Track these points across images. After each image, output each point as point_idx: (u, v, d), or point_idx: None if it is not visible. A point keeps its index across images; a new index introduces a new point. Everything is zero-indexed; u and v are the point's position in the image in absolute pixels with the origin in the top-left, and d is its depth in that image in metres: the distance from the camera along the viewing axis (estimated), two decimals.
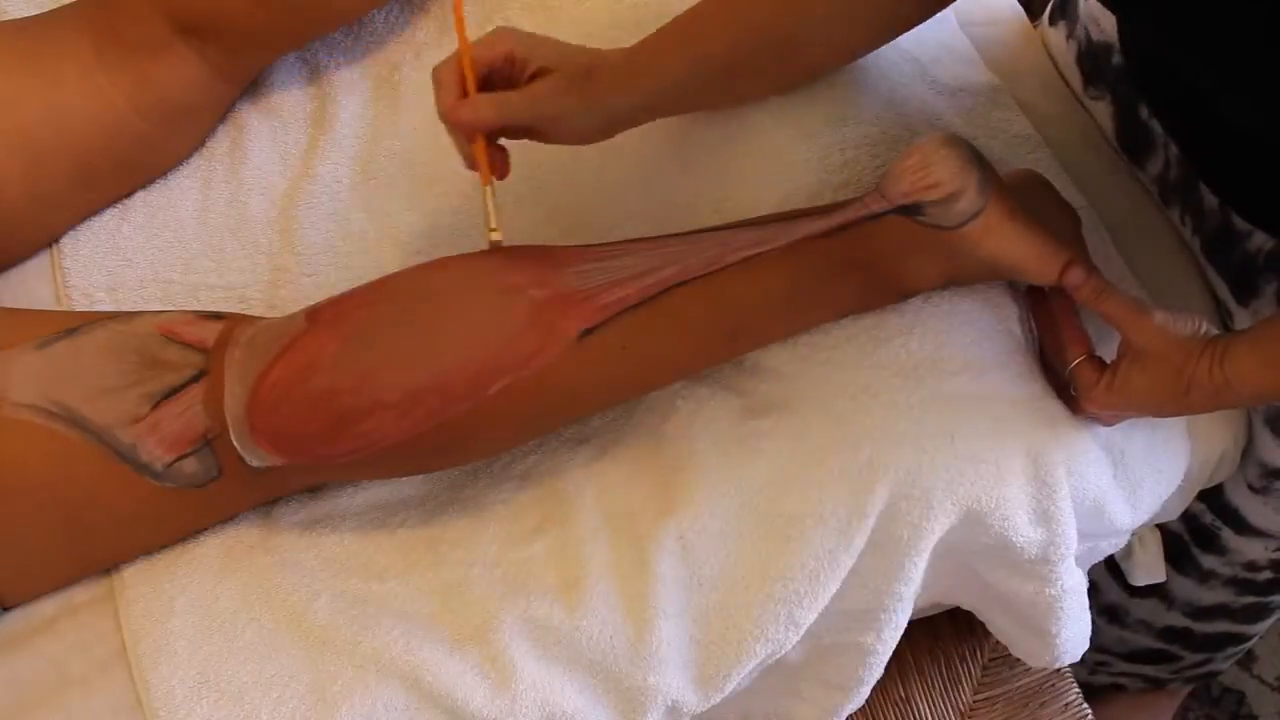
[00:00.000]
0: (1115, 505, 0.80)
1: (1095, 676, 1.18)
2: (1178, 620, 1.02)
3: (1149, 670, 1.13)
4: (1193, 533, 0.94)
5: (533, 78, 0.74)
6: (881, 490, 0.74)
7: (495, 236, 0.74)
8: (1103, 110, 0.92)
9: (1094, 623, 0.94)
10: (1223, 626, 1.02)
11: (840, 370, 0.78)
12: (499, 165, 0.75)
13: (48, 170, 0.82)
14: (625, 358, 0.74)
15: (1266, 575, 0.94)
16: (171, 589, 0.74)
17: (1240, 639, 1.05)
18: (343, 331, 0.71)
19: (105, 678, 0.72)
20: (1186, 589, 0.99)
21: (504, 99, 0.73)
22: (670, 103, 0.79)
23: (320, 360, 0.69)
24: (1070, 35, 0.94)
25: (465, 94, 0.73)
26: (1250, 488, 0.88)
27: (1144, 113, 0.87)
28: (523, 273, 0.72)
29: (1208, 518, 0.91)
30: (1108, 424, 0.78)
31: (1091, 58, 0.92)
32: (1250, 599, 0.98)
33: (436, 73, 0.74)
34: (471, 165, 0.76)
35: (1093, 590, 1.03)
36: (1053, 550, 0.77)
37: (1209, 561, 0.94)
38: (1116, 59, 0.88)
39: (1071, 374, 0.76)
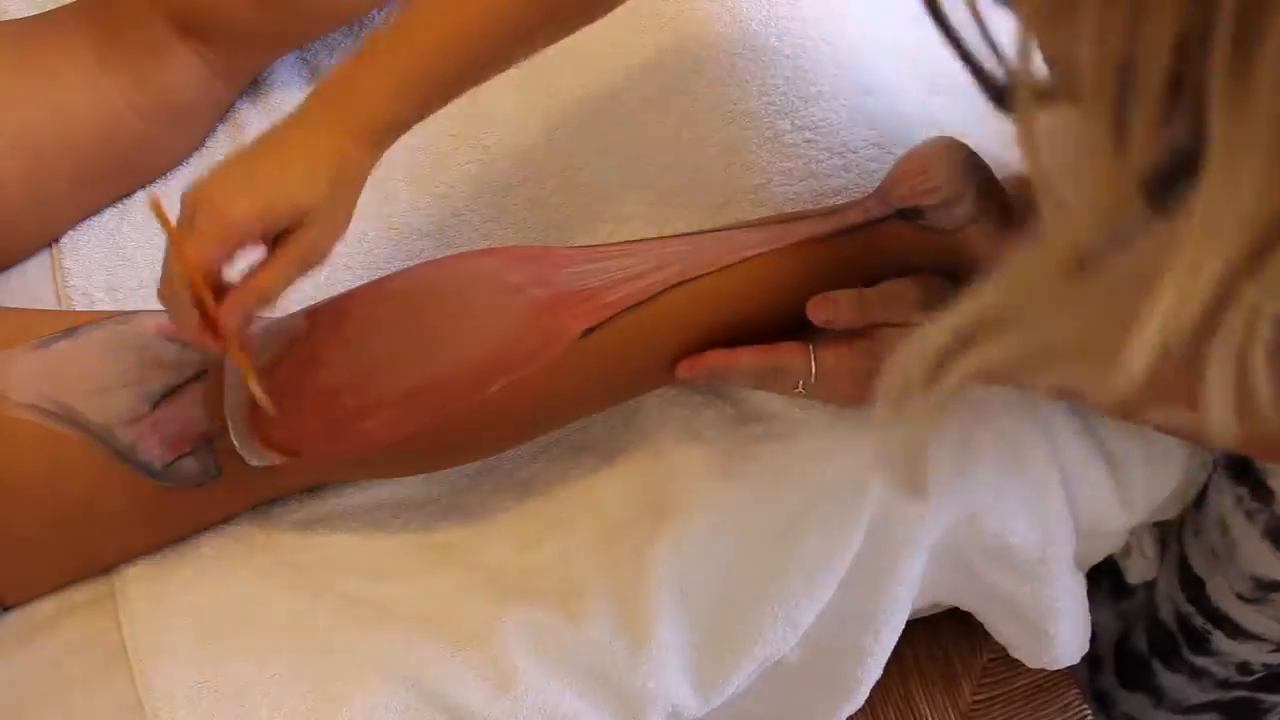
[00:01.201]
0: (1111, 507, 0.81)
1: None
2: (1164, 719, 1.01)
3: None
4: (1185, 633, 0.91)
5: (280, 236, 0.63)
6: (875, 492, 0.74)
7: (271, 411, 0.67)
8: None
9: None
10: None
11: None
12: (252, 345, 0.67)
13: (48, 171, 0.82)
14: (626, 358, 0.74)
15: (1259, 675, 0.93)
16: (171, 589, 0.74)
17: None
18: (343, 331, 0.71)
19: (105, 678, 0.72)
20: (1177, 685, 0.97)
21: (264, 286, 0.62)
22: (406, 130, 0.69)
23: (321, 360, 0.69)
24: None
25: (206, 308, 0.61)
26: (1240, 598, 0.86)
27: None
28: (524, 272, 0.72)
29: (1198, 621, 0.89)
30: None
31: None
32: (1242, 694, 0.96)
33: (167, 295, 0.62)
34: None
35: (1092, 670, 1.03)
36: (1050, 551, 0.77)
37: (1201, 661, 0.93)
38: None
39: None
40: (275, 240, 0.63)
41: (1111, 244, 0.41)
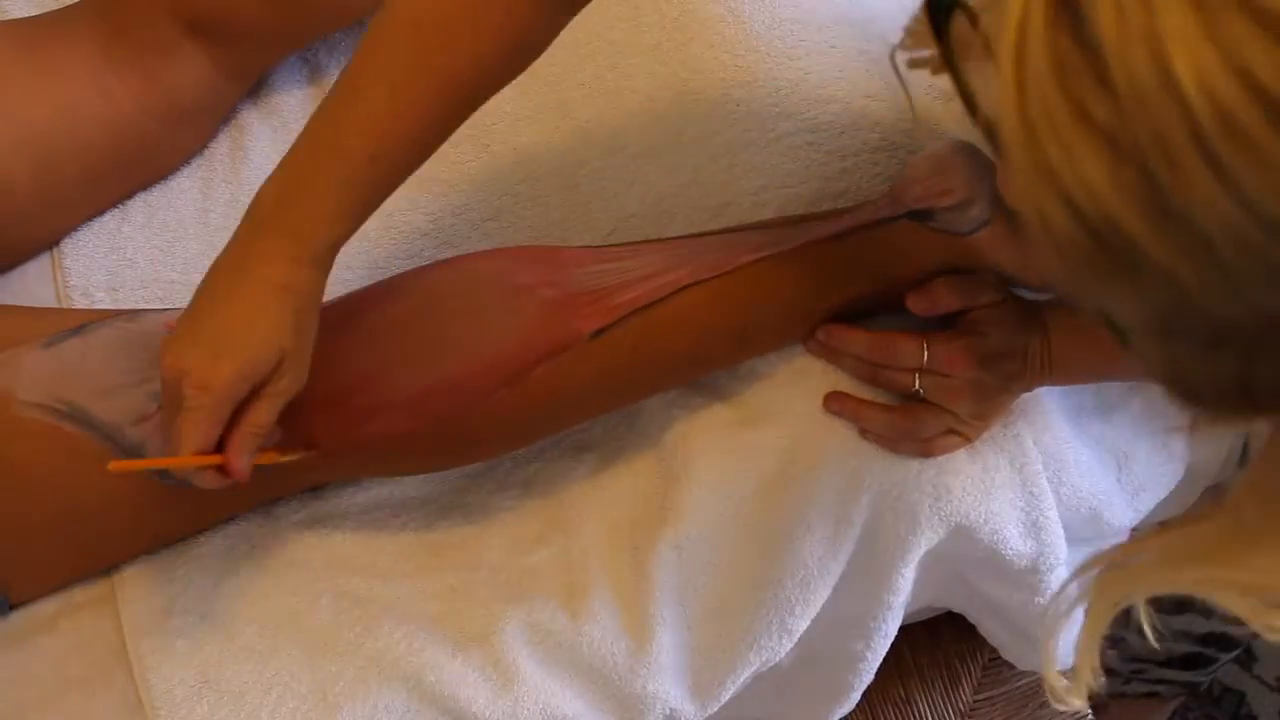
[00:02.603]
0: (1115, 509, 0.80)
1: (1131, 685, 1.17)
2: (1217, 626, 1.02)
3: (1187, 676, 1.12)
4: None
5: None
6: (865, 501, 0.74)
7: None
8: None
9: (1128, 639, 0.94)
10: None
11: (829, 380, 0.78)
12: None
13: (56, 171, 0.82)
14: (634, 359, 0.74)
15: None
16: (172, 589, 0.74)
17: None
18: (353, 331, 0.71)
19: (105, 678, 0.72)
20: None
21: (257, 429, 0.63)
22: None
23: (330, 360, 0.69)
24: None
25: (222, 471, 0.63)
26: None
27: None
28: (533, 273, 0.72)
29: None
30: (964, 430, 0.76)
31: None
32: None
33: (178, 477, 0.64)
34: None
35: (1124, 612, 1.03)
36: (1043, 561, 0.77)
37: None
38: None
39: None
40: None
41: None
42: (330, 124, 0.64)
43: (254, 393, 0.63)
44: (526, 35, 0.67)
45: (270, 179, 0.64)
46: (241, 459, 0.63)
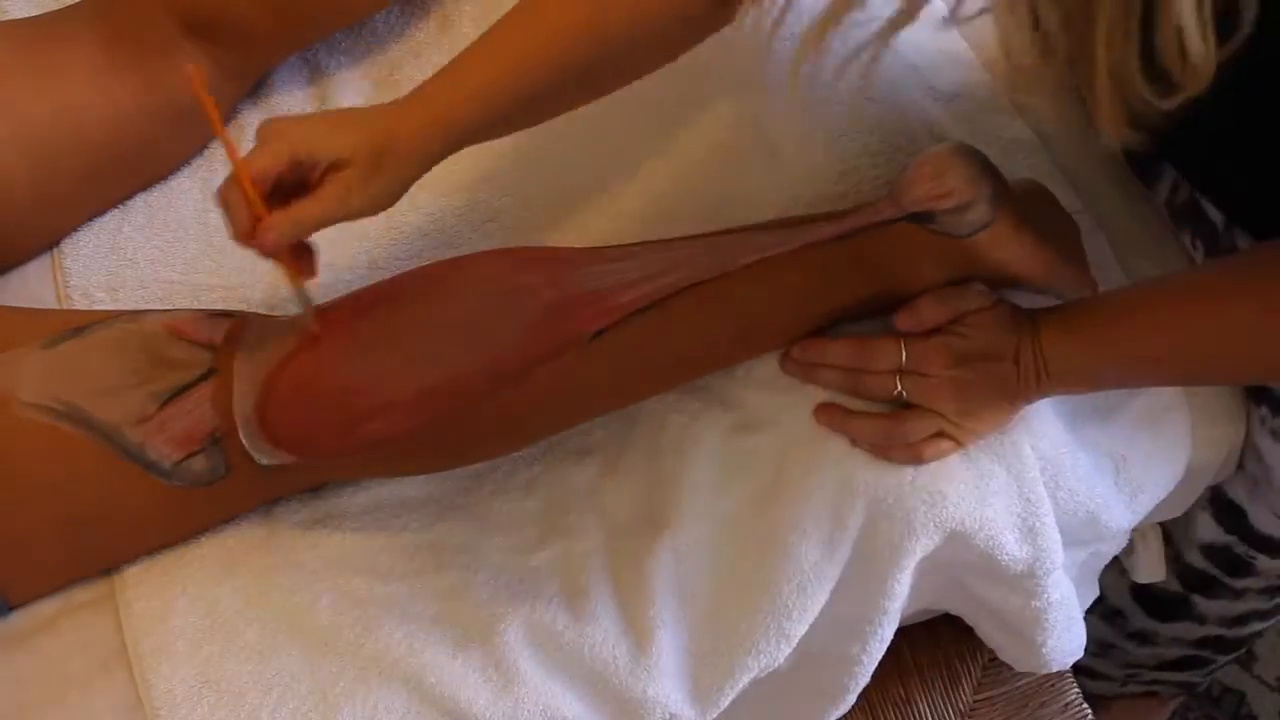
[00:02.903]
0: (1113, 511, 0.80)
1: (1128, 687, 1.17)
2: (1212, 630, 1.02)
3: (1182, 676, 1.12)
4: (1225, 565, 0.92)
5: (324, 173, 0.67)
6: (859, 507, 0.74)
7: (314, 329, 0.71)
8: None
9: (1122, 647, 0.93)
10: (1255, 627, 1.02)
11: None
12: (307, 268, 0.70)
13: (56, 171, 0.82)
14: (636, 359, 0.74)
15: None
16: (172, 589, 0.74)
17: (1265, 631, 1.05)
18: (354, 331, 0.71)
19: (105, 678, 0.72)
20: (1219, 608, 0.98)
21: (299, 216, 0.66)
22: (472, 143, 0.73)
23: (331, 359, 0.69)
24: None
25: (256, 215, 0.66)
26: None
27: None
28: (535, 273, 0.72)
29: (1240, 549, 0.90)
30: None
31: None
32: None
33: (221, 197, 0.67)
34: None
35: (1118, 616, 1.03)
36: (1039, 565, 0.77)
37: (1242, 583, 0.94)
38: None
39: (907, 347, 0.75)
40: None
41: None
42: (499, 27, 0.71)
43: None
44: (685, 10, 0.72)
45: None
46: (269, 234, 0.65)
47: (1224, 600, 0.96)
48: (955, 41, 0.96)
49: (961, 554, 0.76)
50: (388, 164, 0.67)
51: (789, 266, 0.76)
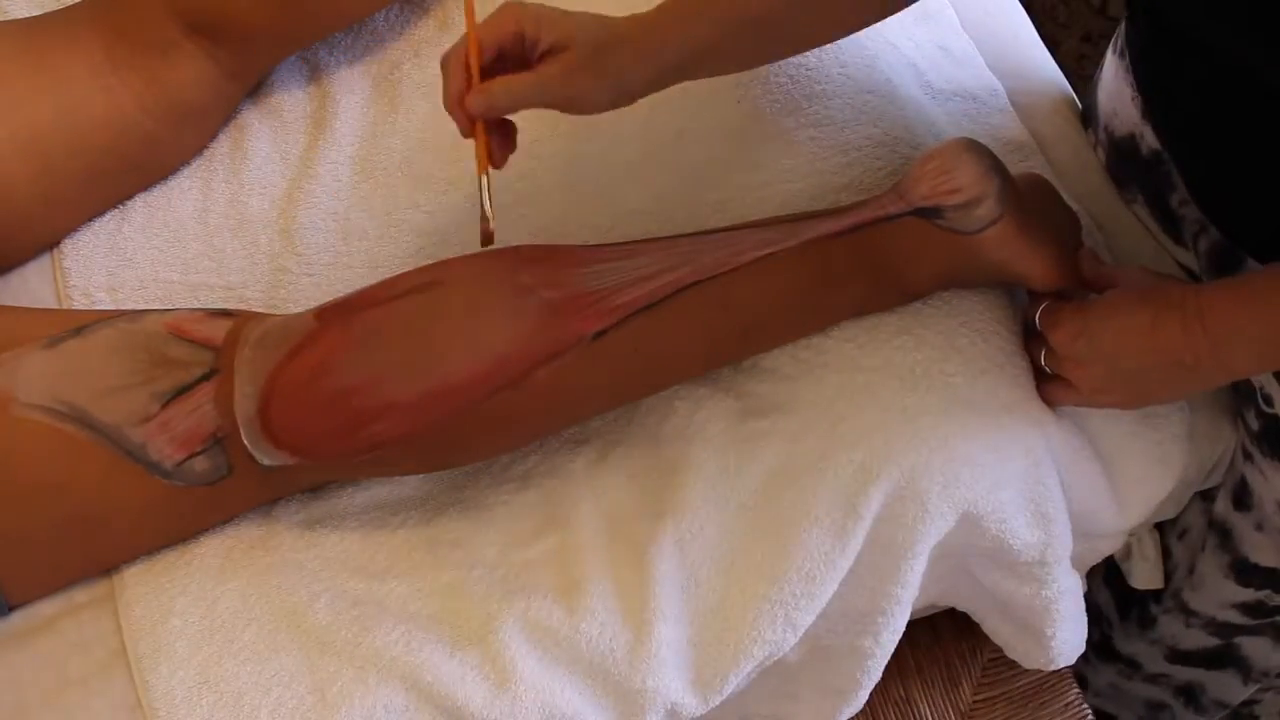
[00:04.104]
0: (1107, 508, 0.81)
1: None
2: (1255, 695, 1.01)
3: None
4: (1256, 616, 0.90)
5: (544, 55, 0.70)
6: (876, 492, 0.74)
7: (490, 228, 0.71)
8: (1139, 210, 0.91)
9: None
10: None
11: (837, 372, 0.78)
12: (499, 154, 0.73)
13: (57, 171, 0.82)
14: (636, 358, 0.74)
15: None
16: (171, 589, 0.75)
17: None
18: (354, 331, 0.71)
19: (105, 678, 0.73)
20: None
21: (513, 85, 0.70)
22: (689, 72, 0.75)
23: (332, 360, 0.69)
24: (1096, 142, 0.93)
25: (471, 81, 0.70)
26: None
27: (1174, 201, 0.85)
28: (533, 273, 0.72)
29: (1275, 600, 0.88)
30: (1081, 400, 0.77)
31: (1118, 161, 0.90)
32: None
33: (445, 60, 0.71)
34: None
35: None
36: (1049, 553, 0.77)
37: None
38: (1144, 149, 0.86)
39: (1041, 316, 0.75)
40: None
41: None
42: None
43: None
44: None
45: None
46: (483, 94, 0.69)
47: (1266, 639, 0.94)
48: (957, 39, 0.96)
49: (973, 540, 0.76)
50: (601, 66, 0.69)
51: (792, 263, 0.75)
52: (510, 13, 0.70)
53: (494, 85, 0.69)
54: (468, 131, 0.71)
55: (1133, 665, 1.03)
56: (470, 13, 0.71)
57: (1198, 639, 0.94)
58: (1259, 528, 0.83)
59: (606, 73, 0.70)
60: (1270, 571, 0.85)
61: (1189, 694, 1.02)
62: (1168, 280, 0.75)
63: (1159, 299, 0.70)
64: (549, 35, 0.70)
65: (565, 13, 0.71)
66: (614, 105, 0.72)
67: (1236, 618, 0.90)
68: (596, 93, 0.71)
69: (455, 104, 0.70)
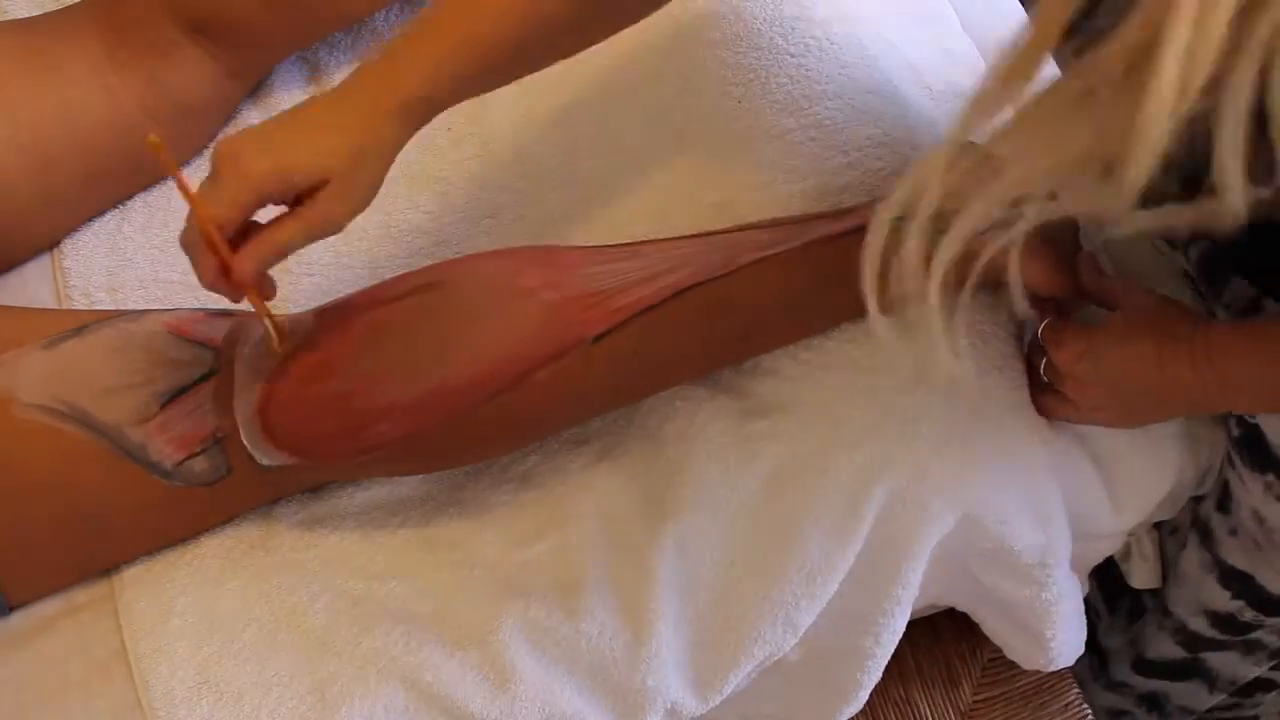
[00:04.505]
0: (1105, 509, 0.81)
1: None
2: (1223, 700, 1.01)
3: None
4: (1227, 629, 0.90)
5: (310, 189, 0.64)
6: (877, 493, 0.74)
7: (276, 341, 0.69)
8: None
9: (1133, 714, 0.91)
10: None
11: (838, 373, 0.78)
12: (269, 287, 0.68)
13: (57, 171, 0.82)
14: (638, 360, 0.74)
15: None
16: (171, 589, 0.75)
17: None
18: (353, 332, 0.71)
19: (105, 678, 0.72)
20: (1230, 662, 0.97)
21: (279, 240, 0.63)
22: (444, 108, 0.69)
23: (332, 361, 0.69)
24: None
25: (223, 255, 0.63)
26: None
27: None
28: (535, 275, 0.72)
29: (1247, 615, 0.88)
30: (1076, 416, 0.77)
31: None
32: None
33: (186, 245, 0.64)
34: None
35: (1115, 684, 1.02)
36: (1049, 554, 0.77)
37: (1252, 636, 0.93)
38: None
39: (1045, 331, 0.75)
40: (297, 202, 0.64)
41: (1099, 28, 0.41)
42: None
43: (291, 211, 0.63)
44: None
45: (401, 30, 0.66)
46: (245, 263, 0.62)
47: (1235, 653, 0.94)
48: (958, 40, 0.96)
49: (974, 541, 0.76)
50: (369, 162, 0.65)
51: (792, 265, 0.75)
52: (244, 192, 0.62)
53: (261, 249, 0.63)
54: (238, 299, 0.66)
55: (1101, 663, 1.03)
56: (185, 189, 0.62)
57: (1166, 647, 0.95)
58: (1233, 532, 0.83)
59: (370, 174, 0.66)
60: (1245, 576, 0.85)
61: (1153, 701, 1.02)
62: (1173, 307, 0.74)
63: (1166, 331, 0.70)
64: (303, 182, 0.63)
65: (300, 140, 0.63)
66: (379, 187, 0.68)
67: (1206, 629, 0.90)
68: (368, 200, 0.66)
69: (217, 282, 0.64)
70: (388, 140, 0.65)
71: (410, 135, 0.66)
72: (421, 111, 0.66)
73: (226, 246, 0.62)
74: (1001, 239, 0.49)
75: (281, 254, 0.64)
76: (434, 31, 0.66)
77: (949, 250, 0.49)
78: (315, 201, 0.63)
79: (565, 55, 0.73)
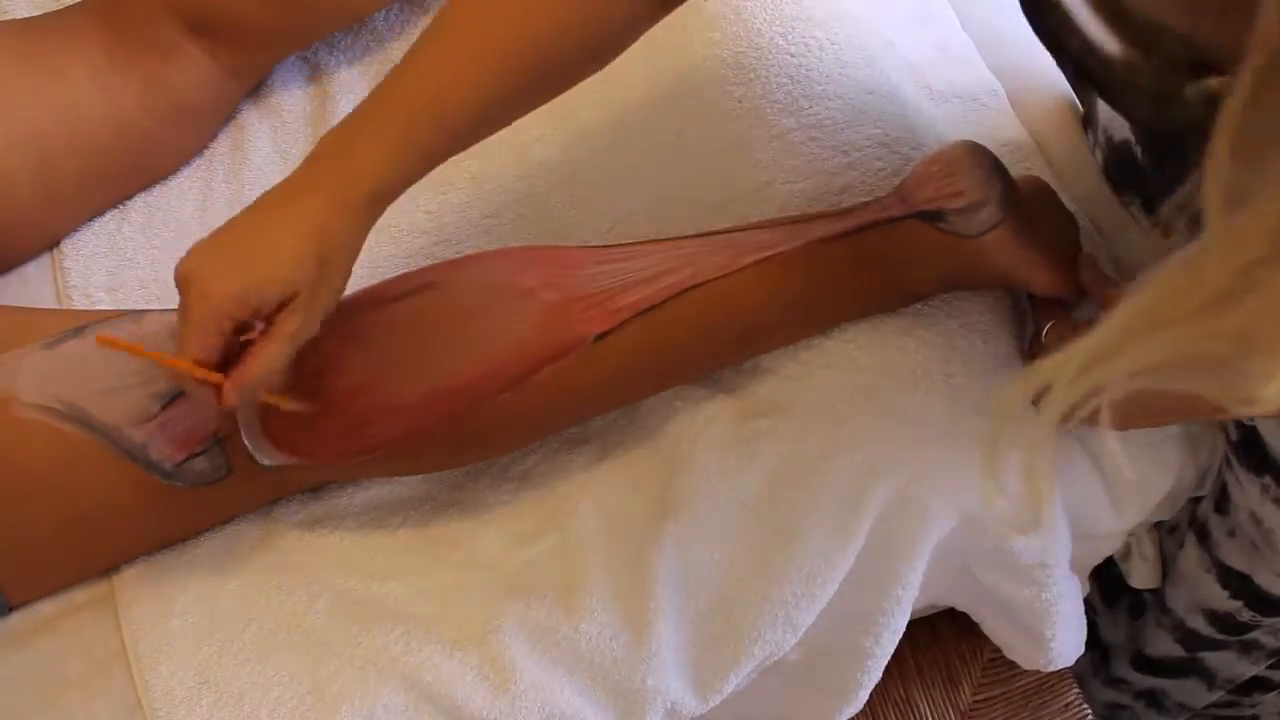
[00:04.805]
0: (1104, 509, 0.81)
1: None
2: (1221, 697, 1.01)
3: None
4: (1225, 629, 0.91)
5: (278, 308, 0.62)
6: (878, 493, 0.74)
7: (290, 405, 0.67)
8: (1136, 213, 0.91)
9: (1132, 707, 0.91)
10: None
11: (839, 373, 0.78)
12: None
13: (57, 170, 0.82)
14: (638, 360, 0.74)
15: None
16: (171, 589, 0.75)
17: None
18: (355, 332, 0.71)
19: (105, 678, 0.72)
20: (1227, 661, 0.98)
21: (265, 363, 0.61)
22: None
23: (333, 361, 0.69)
24: (1095, 145, 0.93)
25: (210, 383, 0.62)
26: None
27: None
28: (535, 275, 0.72)
29: (1245, 615, 0.88)
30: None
31: (1116, 166, 0.90)
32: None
33: (180, 383, 0.64)
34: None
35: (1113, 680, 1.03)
36: (1049, 555, 0.77)
37: (1249, 636, 0.94)
38: (1139, 156, 0.87)
39: (1048, 335, 0.75)
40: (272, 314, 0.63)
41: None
42: (401, 72, 0.63)
43: (265, 331, 0.62)
44: (609, 11, 0.66)
45: (342, 120, 0.63)
46: (234, 398, 0.61)
47: (1231, 652, 0.94)
48: (956, 39, 0.96)
49: (975, 541, 0.76)
50: (335, 263, 0.63)
51: (794, 265, 0.75)
52: (212, 323, 0.60)
53: (243, 380, 0.61)
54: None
55: (1102, 659, 1.03)
56: (179, 365, 0.61)
57: (1165, 645, 0.95)
58: (1231, 534, 0.83)
59: (336, 276, 0.64)
60: (1243, 577, 0.85)
61: (1152, 697, 1.03)
62: None
63: None
64: (269, 304, 0.61)
65: (257, 261, 0.61)
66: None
67: (1204, 627, 0.90)
68: (336, 298, 0.64)
69: (218, 405, 0.62)
70: (353, 236, 0.63)
71: (375, 220, 0.64)
72: (385, 198, 0.64)
73: (214, 376, 0.61)
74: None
75: (267, 379, 0.62)
76: (393, 105, 0.63)
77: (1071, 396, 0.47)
78: (287, 317, 0.62)
79: (508, 121, 0.69)
